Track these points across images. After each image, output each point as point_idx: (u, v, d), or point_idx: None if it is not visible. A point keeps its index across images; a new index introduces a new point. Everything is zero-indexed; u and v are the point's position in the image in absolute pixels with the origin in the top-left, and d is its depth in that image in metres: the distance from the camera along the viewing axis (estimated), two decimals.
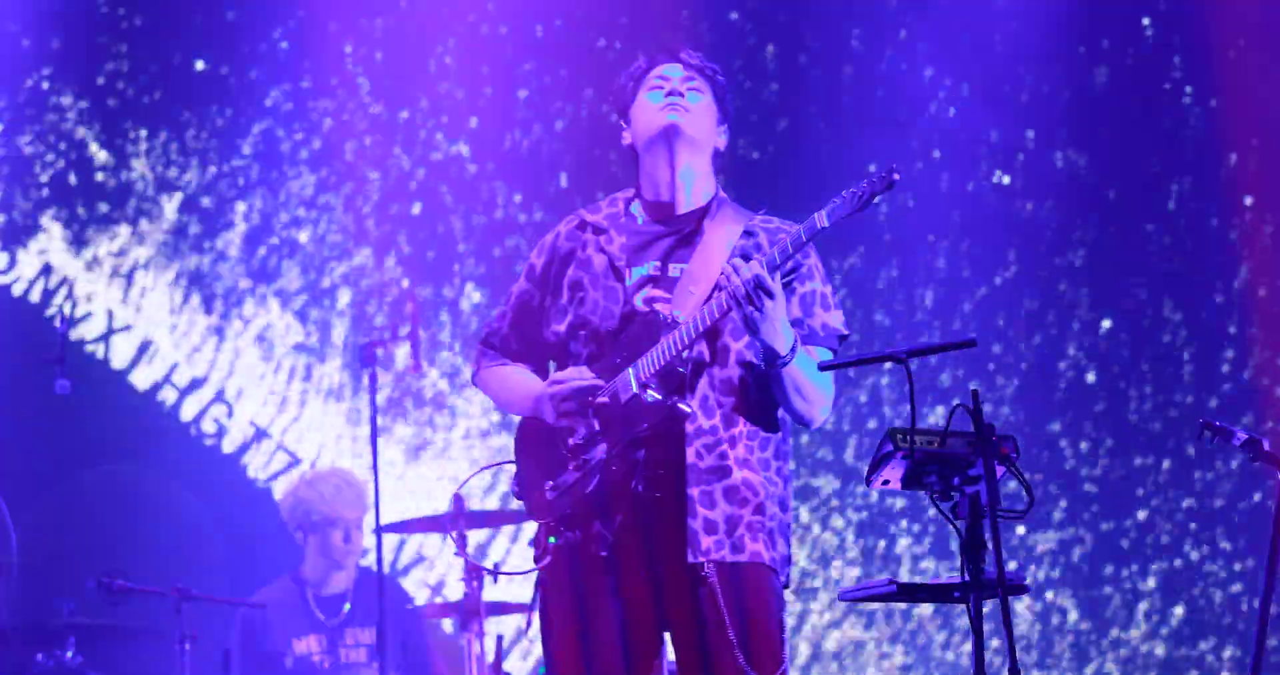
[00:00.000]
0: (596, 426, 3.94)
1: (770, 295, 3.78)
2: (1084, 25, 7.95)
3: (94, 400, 7.47)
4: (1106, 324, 7.91)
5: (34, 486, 7.19)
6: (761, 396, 3.98)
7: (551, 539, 3.98)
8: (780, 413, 4.02)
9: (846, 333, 4.07)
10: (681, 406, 3.89)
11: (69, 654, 6.15)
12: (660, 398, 3.89)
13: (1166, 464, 7.85)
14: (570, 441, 3.98)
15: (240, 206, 7.97)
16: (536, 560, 4.02)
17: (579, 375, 3.96)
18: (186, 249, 7.93)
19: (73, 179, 7.87)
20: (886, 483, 3.85)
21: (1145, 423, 7.92)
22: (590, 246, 4.09)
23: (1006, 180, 8.02)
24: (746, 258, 3.87)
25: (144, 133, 7.93)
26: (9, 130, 7.82)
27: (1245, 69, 7.78)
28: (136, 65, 7.93)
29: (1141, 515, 7.83)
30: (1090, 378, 7.94)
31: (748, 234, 4.04)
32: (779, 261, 3.82)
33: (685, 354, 3.91)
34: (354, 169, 8.02)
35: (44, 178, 7.87)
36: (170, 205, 7.95)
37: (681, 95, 4.05)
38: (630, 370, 3.92)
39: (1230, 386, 7.75)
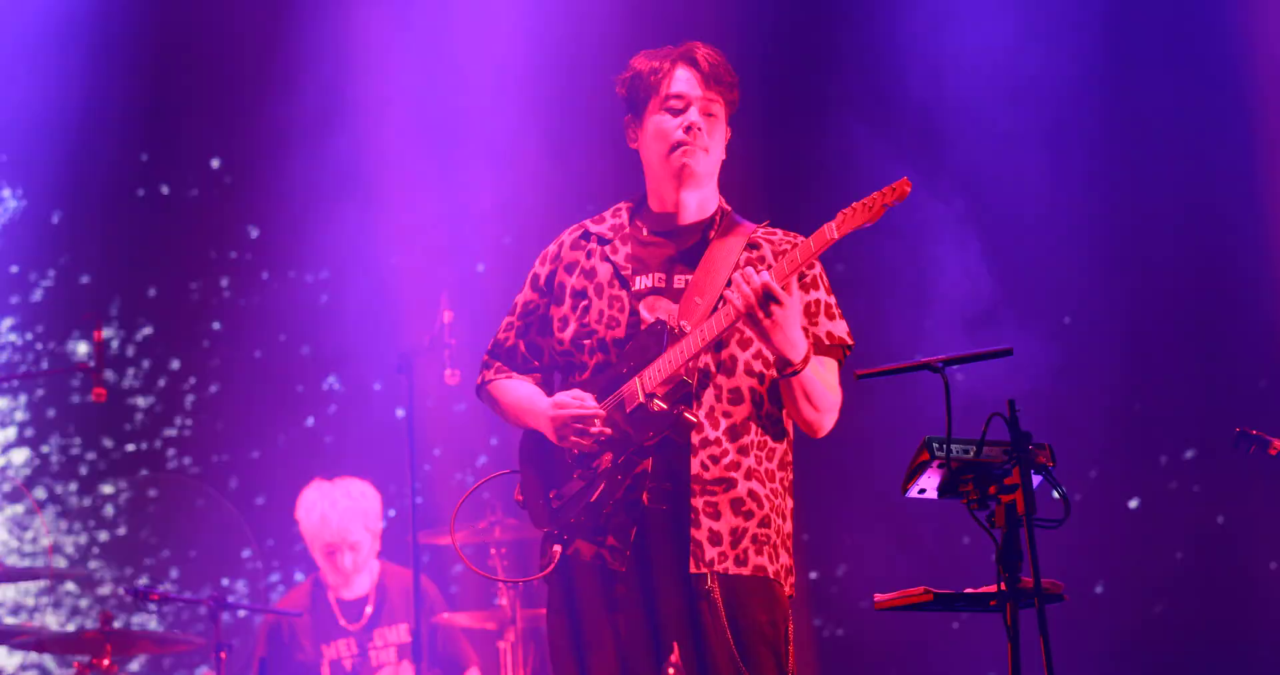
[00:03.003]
0: (601, 437, 3.95)
1: (779, 304, 3.78)
2: None
3: None
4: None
5: None
6: (769, 407, 3.99)
7: (556, 547, 4.00)
8: (785, 423, 4.02)
9: (851, 343, 4.07)
10: (688, 416, 3.90)
11: (105, 662, 6.15)
12: (666, 407, 3.90)
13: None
14: (575, 450, 3.99)
15: None
16: (541, 568, 4.04)
17: (581, 401, 3.97)
18: None
19: None
20: (923, 491, 3.83)
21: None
22: (595, 256, 4.11)
23: None
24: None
25: None
26: None
27: None
28: None
29: None
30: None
31: (752, 246, 4.06)
32: (787, 272, 3.82)
33: (692, 364, 3.92)
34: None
35: None
36: None
37: (700, 131, 4.04)
38: (637, 380, 3.94)
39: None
